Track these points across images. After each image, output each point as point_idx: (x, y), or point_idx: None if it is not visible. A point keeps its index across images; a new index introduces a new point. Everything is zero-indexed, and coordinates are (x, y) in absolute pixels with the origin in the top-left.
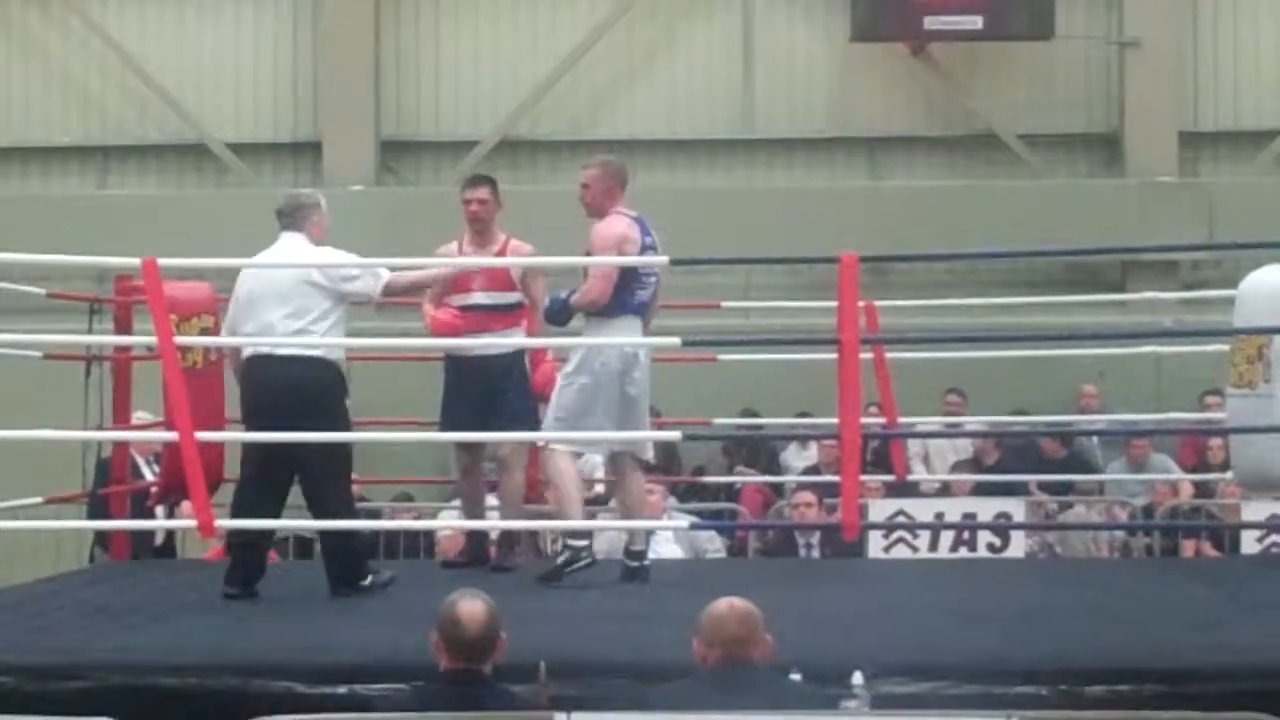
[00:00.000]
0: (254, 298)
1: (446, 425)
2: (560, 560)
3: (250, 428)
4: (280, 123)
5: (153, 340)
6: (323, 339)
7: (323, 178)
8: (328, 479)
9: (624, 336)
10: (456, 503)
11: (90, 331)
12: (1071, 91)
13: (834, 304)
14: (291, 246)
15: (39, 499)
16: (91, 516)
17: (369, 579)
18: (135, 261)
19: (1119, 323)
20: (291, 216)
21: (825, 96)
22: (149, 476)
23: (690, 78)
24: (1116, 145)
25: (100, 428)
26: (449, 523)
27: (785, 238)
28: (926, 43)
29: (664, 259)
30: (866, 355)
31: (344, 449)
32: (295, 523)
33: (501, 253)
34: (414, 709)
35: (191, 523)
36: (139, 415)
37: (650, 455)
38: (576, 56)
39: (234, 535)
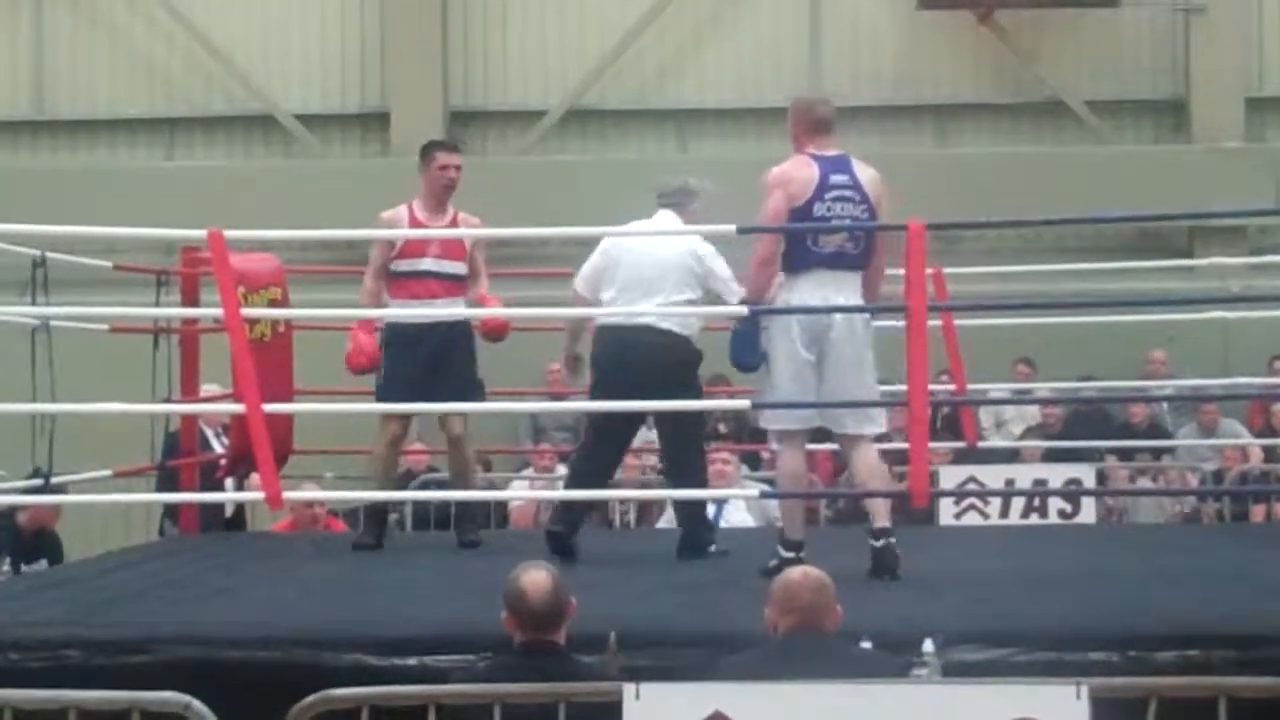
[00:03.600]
0: (640, 267)
1: (390, 396)
2: (771, 564)
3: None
4: (348, 93)
5: (220, 312)
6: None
7: (390, 148)
8: (682, 444)
9: (809, 295)
10: (528, 472)
11: (157, 304)
12: (1138, 58)
13: (902, 271)
14: (664, 224)
15: (108, 472)
16: (160, 489)
17: (713, 546)
18: (202, 233)
19: (1186, 288)
20: (673, 196)
21: (892, 64)
22: (217, 449)
23: (757, 46)
24: (1183, 111)
25: (168, 400)
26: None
27: None
28: (993, 10)
29: (730, 227)
30: (935, 323)
31: (699, 418)
32: (356, 494)
33: (453, 223)
34: (485, 681)
35: (260, 495)
36: (207, 388)
37: (873, 430)
38: (644, 25)
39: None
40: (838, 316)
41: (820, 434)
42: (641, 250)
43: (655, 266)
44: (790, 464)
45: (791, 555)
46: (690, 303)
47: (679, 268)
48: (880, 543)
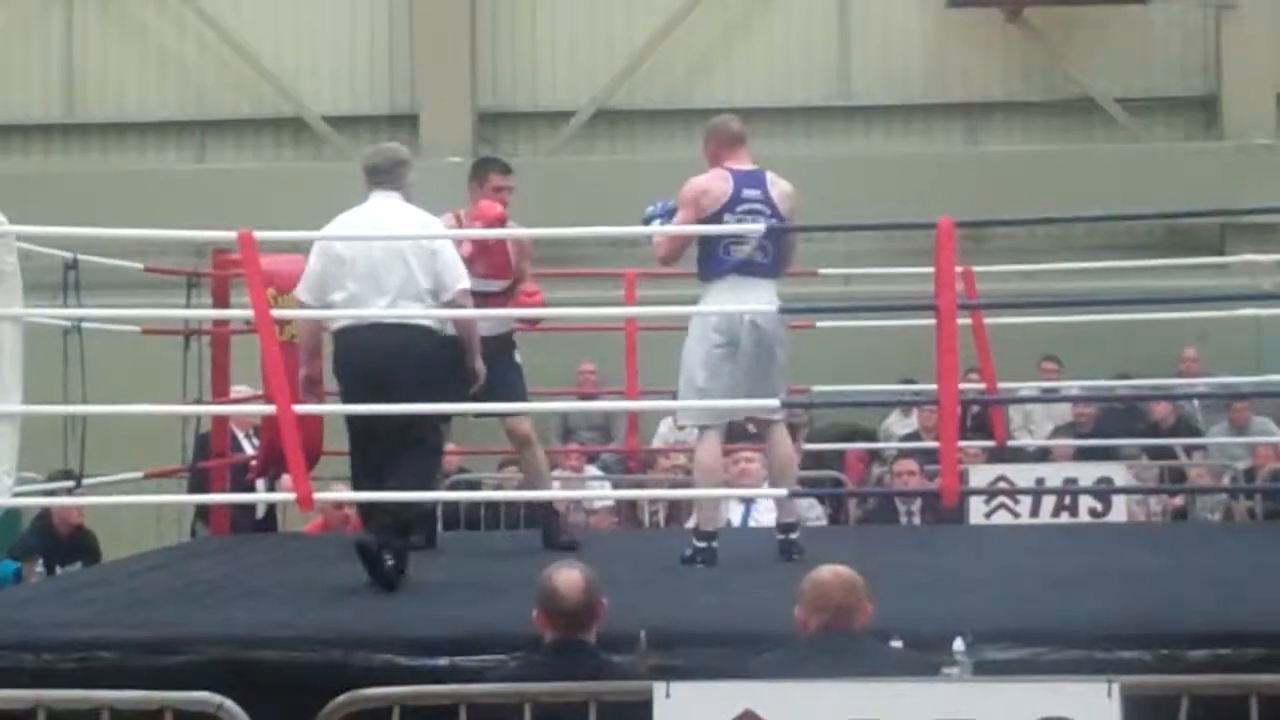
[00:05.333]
0: (372, 261)
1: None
2: (684, 554)
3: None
4: (377, 95)
5: (250, 314)
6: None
7: (419, 149)
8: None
9: (724, 300)
10: (557, 471)
11: (188, 306)
12: (1168, 54)
13: (932, 270)
14: (394, 208)
15: (139, 473)
16: (192, 491)
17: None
18: (233, 235)
19: (1218, 286)
20: (390, 174)
21: (922, 63)
22: (248, 450)
23: (787, 45)
24: (1214, 108)
25: (199, 402)
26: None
27: (882, 204)
28: (1023, 7)
29: (759, 227)
30: (965, 321)
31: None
32: (386, 494)
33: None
34: (516, 680)
35: (291, 496)
36: (238, 389)
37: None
38: (673, 25)
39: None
40: (746, 318)
41: (851, 434)
42: (369, 243)
43: (388, 258)
44: (707, 457)
45: (704, 545)
46: (430, 292)
47: (414, 254)
48: (783, 536)
